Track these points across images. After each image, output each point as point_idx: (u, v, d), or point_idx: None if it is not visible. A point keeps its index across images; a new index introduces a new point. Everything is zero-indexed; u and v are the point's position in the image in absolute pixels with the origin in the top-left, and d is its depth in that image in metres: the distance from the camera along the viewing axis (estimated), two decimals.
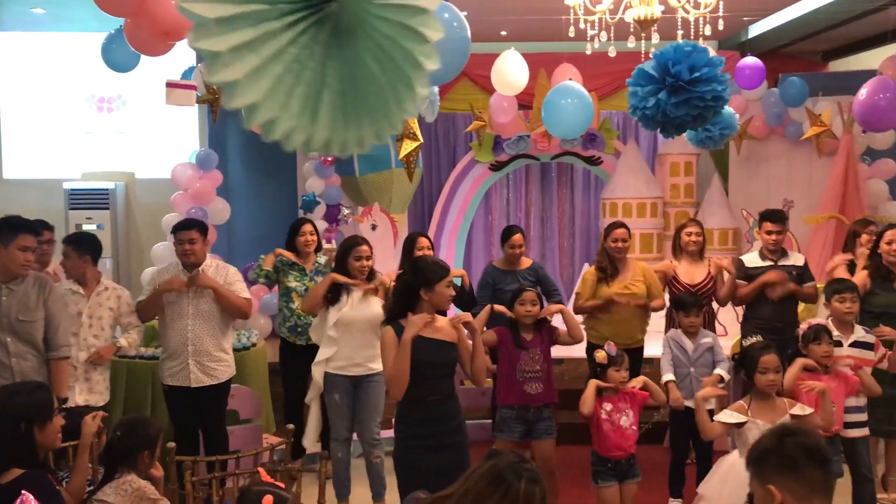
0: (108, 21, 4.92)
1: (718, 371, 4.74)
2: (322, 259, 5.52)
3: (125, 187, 7.96)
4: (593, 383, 4.11)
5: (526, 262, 5.65)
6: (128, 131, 8.09)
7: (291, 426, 4.02)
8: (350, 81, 1.93)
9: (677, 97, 4.56)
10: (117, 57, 5.27)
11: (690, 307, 4.80)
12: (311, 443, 4.79)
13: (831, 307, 4.54)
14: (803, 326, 4.34)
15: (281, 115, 1.86)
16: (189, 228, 4.63)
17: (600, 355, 4.12)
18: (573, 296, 5.72)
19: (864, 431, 4.46)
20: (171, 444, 3.56)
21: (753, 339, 4.12)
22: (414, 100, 2.05)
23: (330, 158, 7.20)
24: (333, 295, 4.64)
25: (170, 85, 5.82)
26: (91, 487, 3.25)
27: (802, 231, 7.58)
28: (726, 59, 7.66)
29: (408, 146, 4.88)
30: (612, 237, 5.31)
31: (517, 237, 5.52)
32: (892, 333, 4.64)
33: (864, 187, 7.41)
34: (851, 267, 5.36)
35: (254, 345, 5.75)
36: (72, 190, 7.65)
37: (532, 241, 9.35)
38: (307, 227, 5.51)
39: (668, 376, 4.75)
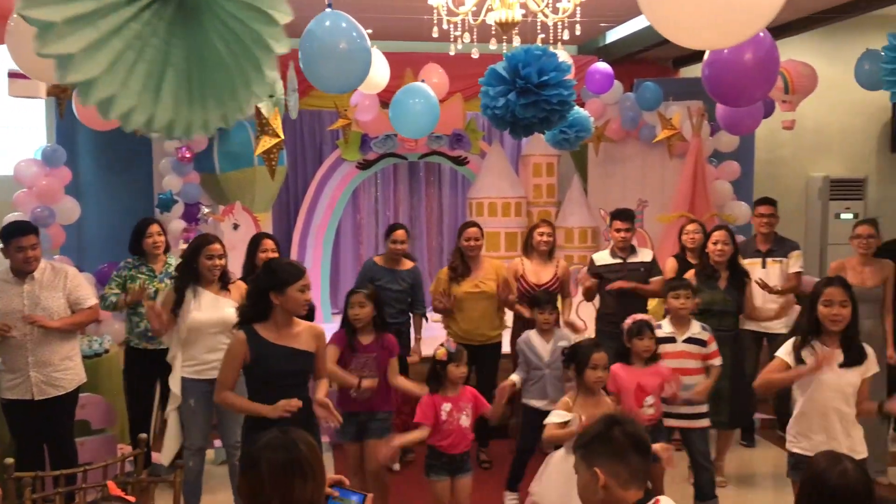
0: None
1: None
2: (173, 260, 5.24)
3: None
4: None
5: (408, 264, 5.65)
6: None
7: (144, 435, 3.84)
8: (196, 61, 1.90)
9: (526, 99, 4.65)
10: None
11: (544, 304, 4.89)
12: (167, 458, 4.47)
13: (668, 304, 4.76)
14: (627, 321, 4.49)
15: (120, 93, 1.79)
16: (29, 233, 4.28)
17: (440, 352, 4.09)
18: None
19: (703, 423, 4.69)
20: (10, 461, 3.33)
21: (581, 338, 4.25)
22: (263, 82, 2.03)
23: (189, 154, 6.95)
24: (176, 303, 4.40)
25: (12, 75, 5.43)
26: None
27: (656, 229, 7.95)
28: (585, 63, 7.98)
29: (266, 143, 4.74)
30: (465, 236, 5.45)
31: (400, 233, 5.52)
32: (827, 356, 4.88)
33: (711, 188, 7.85)
34: (686, 265, 5.66)
35: (106, 351, 5.47)
36: None
37: None
38: (154, 228, 5.21)
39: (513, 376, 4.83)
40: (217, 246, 4.45)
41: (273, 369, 3.43)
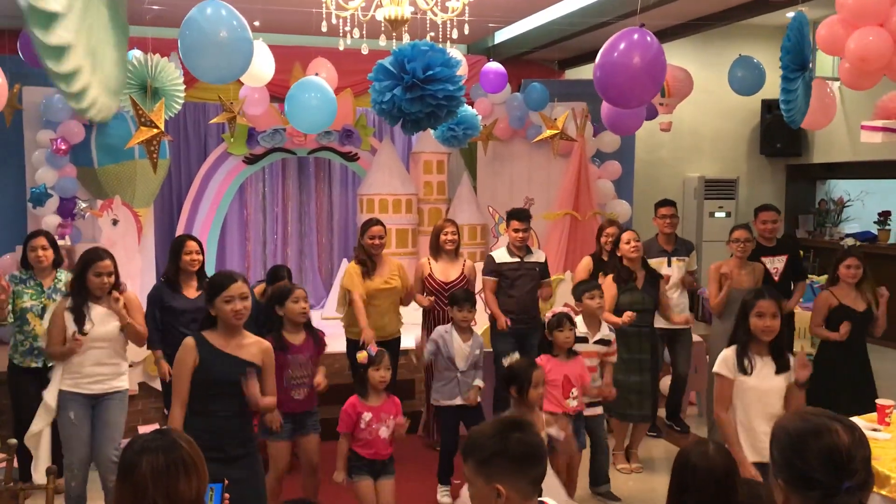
0: None
1: (477, 382, 4.94)
2: (62, 275, 4.98)
3: None
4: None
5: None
6: None
7: (14, 441, 3.65)
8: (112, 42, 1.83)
9: (412, 94, 4.66)
10: None
11: (462, 302, 4.97)
12: (41, 475, 4.20)
13: (583, 305, 4.89)
14: (548, 315, 4.65)
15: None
16: None
17: (361, 356, 4.12)
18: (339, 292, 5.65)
19: (598, 410, 4.94)
20: None
21: (512, 358, 4.18)
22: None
23: (64, 147, 6.63)
24: (77, 321, 4.25)
25: None
26: None
27: (541, 226, 8.14)
28: (475, 62, 8.09)
29: (142, 133, 4.54)
30: (370, 234, 5.46)
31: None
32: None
33: (594, 186, 8.11)
34: (599, 265, 5.84)
35: None
36: None
37: (290, 237, 9.24)
38: (38, 241, 4.90)
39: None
40: (107, 263, 4.30)
41: (217, 376, 3.39)
